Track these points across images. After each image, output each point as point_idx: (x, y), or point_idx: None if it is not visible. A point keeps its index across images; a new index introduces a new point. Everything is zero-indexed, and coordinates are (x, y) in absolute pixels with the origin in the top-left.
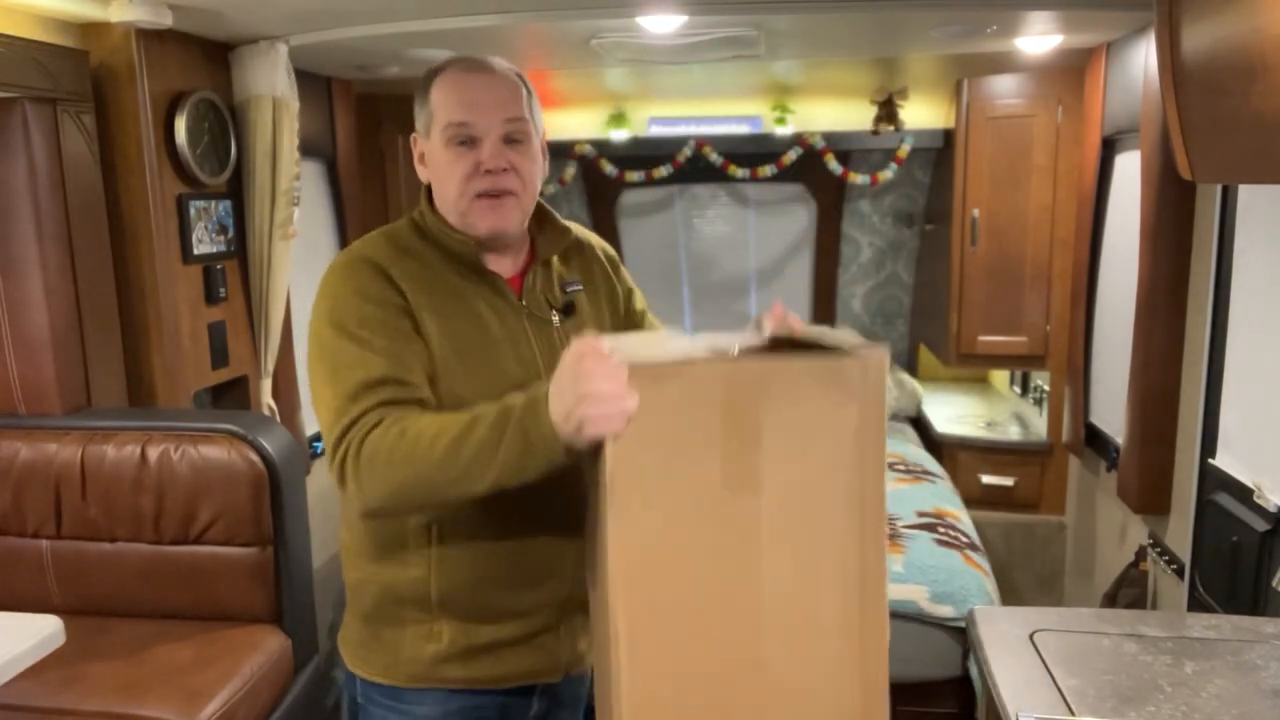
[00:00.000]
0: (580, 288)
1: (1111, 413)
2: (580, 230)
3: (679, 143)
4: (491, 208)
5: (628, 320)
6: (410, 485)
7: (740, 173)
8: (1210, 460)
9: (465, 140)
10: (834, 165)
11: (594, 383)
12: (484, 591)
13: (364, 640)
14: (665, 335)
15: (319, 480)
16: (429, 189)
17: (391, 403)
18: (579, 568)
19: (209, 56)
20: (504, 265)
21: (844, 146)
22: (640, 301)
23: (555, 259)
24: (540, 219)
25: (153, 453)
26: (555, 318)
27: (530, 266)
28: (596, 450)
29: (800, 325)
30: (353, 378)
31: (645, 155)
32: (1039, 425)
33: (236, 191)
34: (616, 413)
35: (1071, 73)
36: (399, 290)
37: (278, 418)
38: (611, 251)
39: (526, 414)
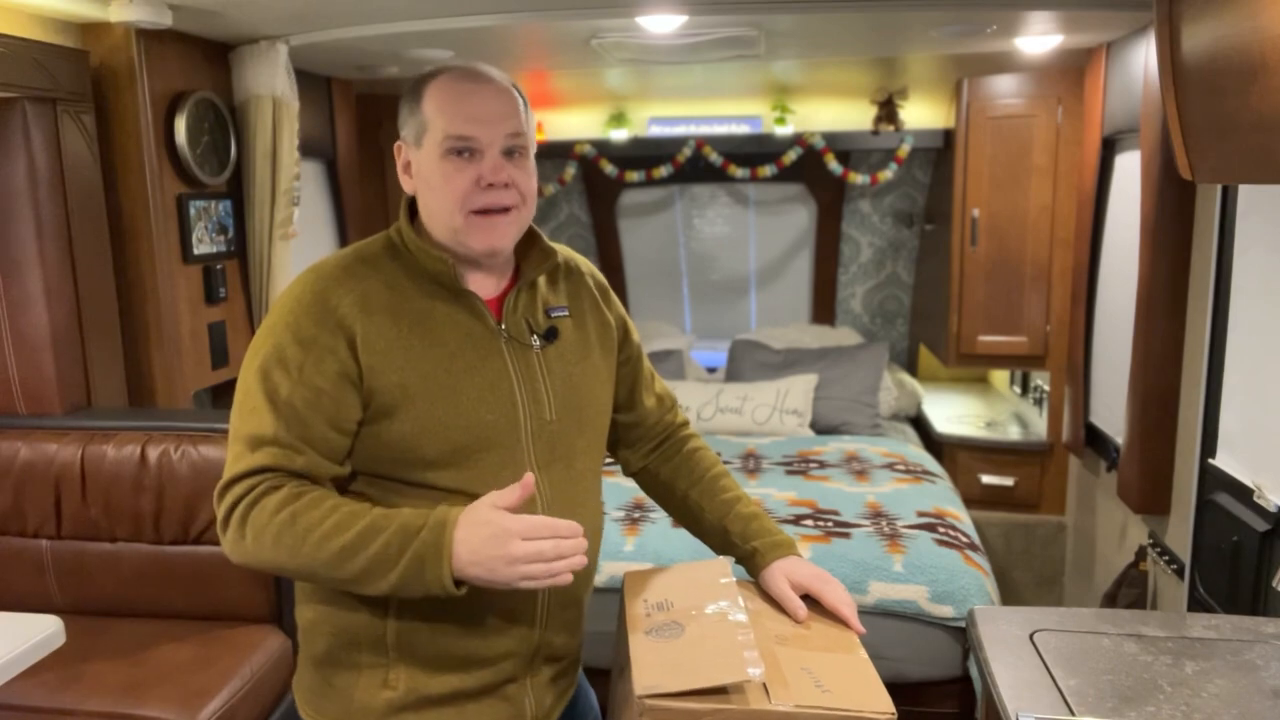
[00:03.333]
0: (566, 313)
1: (1111, 413)
2: (569, 253)
3: (679, 143)
4: (489, 224)
5: (625, 366)
6: (290, 571)
7: (740, 173)
8: (1210, 460)
9: (464, 152)
10: (834, 165)
11: (520, 546)
12: (445, 636)
13: (316, 686)
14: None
15: None
16: (410, 201)
17: (278, 469)
18: (549, 616)
19: (209, 56)
20: (485, 285)
21: (844, 146)
22: (635, 338)
23: (541, 282)
24: (527, 239)
25: (153, 453)
26: (536, 342)
27: (512, 288)
28: None
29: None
30: (246, 426)
31: (645, 155)
32: (1039, 425)
33: (236, 191)
34: (561, 567)
35: (1071, 73)
36: (342, 327)
37: None
38: (602, 279)
39: (428, 552)
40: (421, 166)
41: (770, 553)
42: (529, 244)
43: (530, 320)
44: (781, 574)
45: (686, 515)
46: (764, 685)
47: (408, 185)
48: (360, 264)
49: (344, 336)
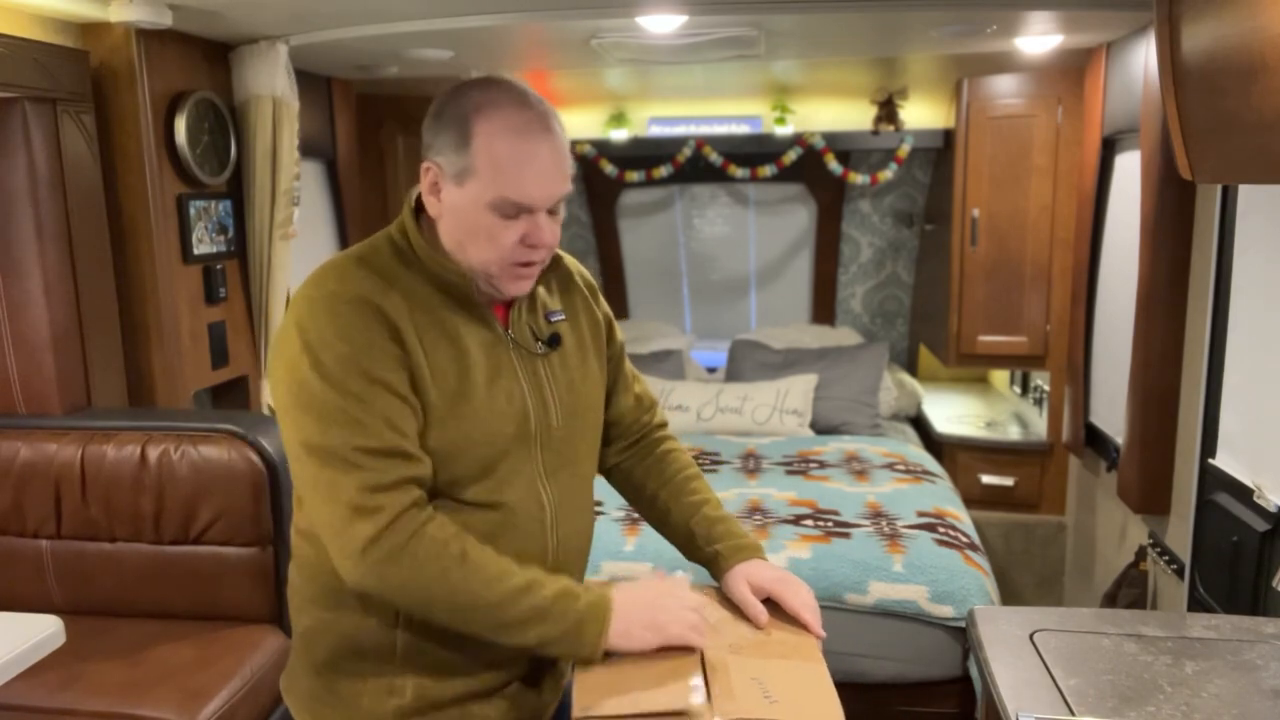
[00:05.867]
0: (563, 317)
1: (1111, 413)
2: (561, 255)
3: (679, 143)
4: (522, 275)
5: (608, 363)
6: (448, 609)
7: (740, 173)
8: (1210, 460)
9: (516, 213)
10: (834, 165)
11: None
12: (454, 643)
13: (316, 693)
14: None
15: None
16: (417, 202)
17: (413, 481)
18: None
19: (209, 56)
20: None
21: (844, 146)
22: (619, 336)
23: (539, 286)
24: None
25: (153, 453)
26: (541, 349)
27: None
28: None
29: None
30: (352, 441)
31: (645, 155)
32: (1039, 425)
33: (236, 191)
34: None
35: (1071, 73)
36: (395, 332)
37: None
38: (590, 278)
39: (588, 615)
40: (459, 205)
41: (733, 556)
42: None
43: (534, 327)
44: (742, 577)
45: (654, 515)
46: (708, 696)
47: (434, 209)
48: (375, 274)
49: (398, 341)
